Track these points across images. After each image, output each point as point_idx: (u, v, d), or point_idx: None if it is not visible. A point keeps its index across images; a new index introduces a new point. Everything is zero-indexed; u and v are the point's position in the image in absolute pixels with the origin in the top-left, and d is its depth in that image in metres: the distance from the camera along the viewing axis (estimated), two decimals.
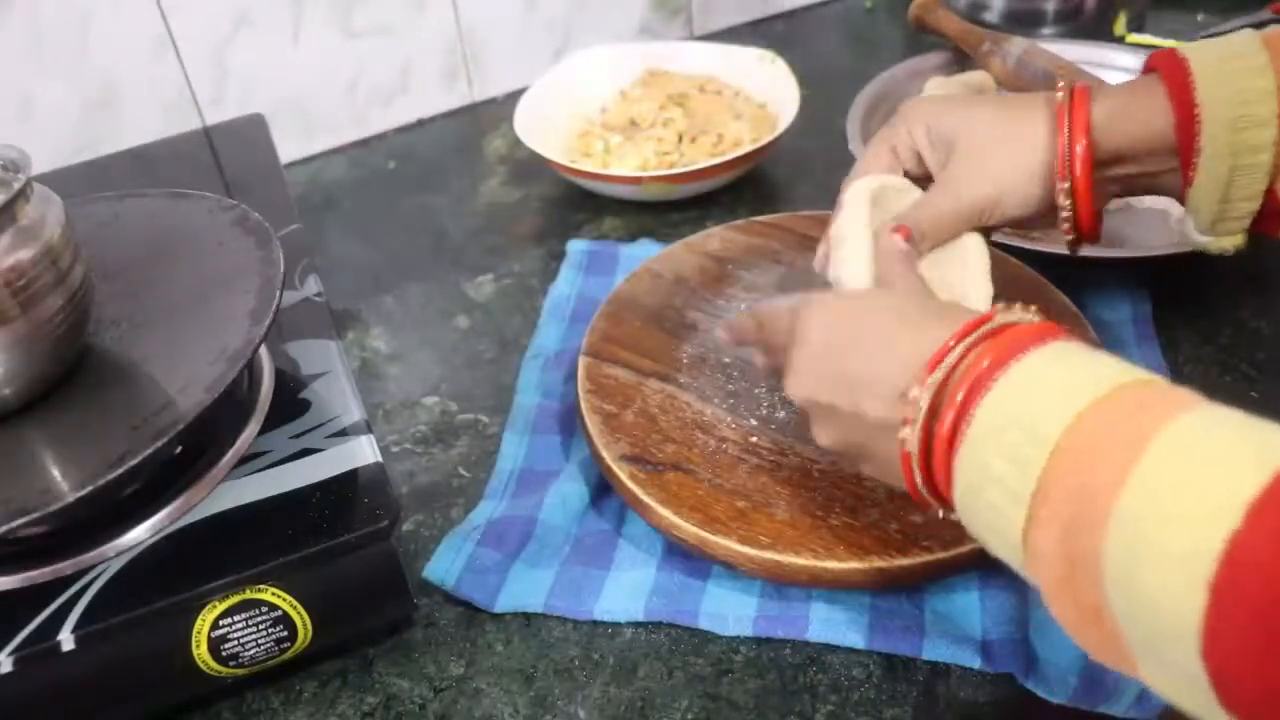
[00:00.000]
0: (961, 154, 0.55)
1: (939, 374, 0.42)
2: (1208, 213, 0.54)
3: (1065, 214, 0.55)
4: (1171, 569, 0.32)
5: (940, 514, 0.45)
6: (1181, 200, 0.55)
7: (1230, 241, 0.55)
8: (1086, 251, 0.70)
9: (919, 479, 0.44)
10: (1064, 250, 0.68)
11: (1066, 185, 0.54)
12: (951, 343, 0.42)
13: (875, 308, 0.49)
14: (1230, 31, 0.54)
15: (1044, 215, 0.56)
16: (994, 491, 0.39)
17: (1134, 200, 0.78)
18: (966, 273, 0.57)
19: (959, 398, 0.41)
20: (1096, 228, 0.56)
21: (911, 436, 0.43)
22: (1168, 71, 0.53)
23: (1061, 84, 0.55)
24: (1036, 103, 0.55)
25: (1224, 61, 0.51)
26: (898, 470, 0.46)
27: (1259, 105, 0.50)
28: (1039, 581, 0.38)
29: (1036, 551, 0.37)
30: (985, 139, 0.55)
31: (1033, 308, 0.44)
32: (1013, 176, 0.55)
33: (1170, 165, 0.54)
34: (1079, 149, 0.53)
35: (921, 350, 0.43)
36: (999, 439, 0.39)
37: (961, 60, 0.94)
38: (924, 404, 0.42)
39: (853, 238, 0.55)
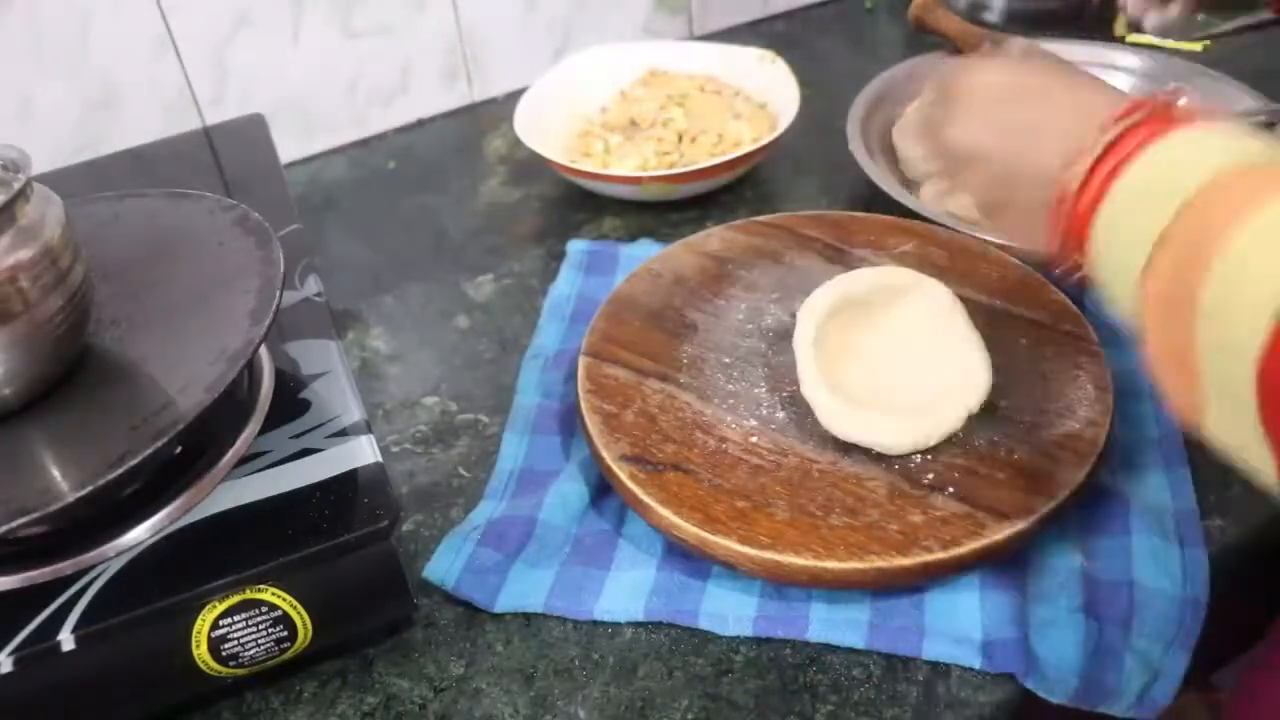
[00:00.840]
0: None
1: (1115, 130, 0.44)
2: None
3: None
4: (1255, 286, 0.35)
5: (1063, 267, 0.48)
6: None
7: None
8: None
9: (1063, 225, 0.46)
10: None
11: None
12: (1125, 109, 0.44)
13: (1046, 73, 0.52)
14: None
15: None
16: (1124, 241, 0.42)
17: None
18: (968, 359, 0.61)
19: (1109, 163, 0.44)
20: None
21: (1072, 176, 0.45)
22: None
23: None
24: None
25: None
26: (1032, 219, 0.48)
27: None
28: (1145, 323, 0.41)
29: (1148, 292, 0.40)
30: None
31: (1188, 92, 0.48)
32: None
33: None
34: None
35: (1099, 110, 0.45)
36: (1143, 196, 0.42)
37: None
38: (1099, 148, 0.44)
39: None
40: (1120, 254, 0.42)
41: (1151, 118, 0.44)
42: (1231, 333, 0.36)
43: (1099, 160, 0.44)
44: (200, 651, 0.51)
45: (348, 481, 0.53)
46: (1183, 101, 0.45)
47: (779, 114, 0.90)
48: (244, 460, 0.55)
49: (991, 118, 0.51)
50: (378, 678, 0.55)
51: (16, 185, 0.50)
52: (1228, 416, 0.38)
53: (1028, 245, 0.51)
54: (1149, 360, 0.41)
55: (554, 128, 0.92)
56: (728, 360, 0.66)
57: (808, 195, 0.88)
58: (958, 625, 0.54)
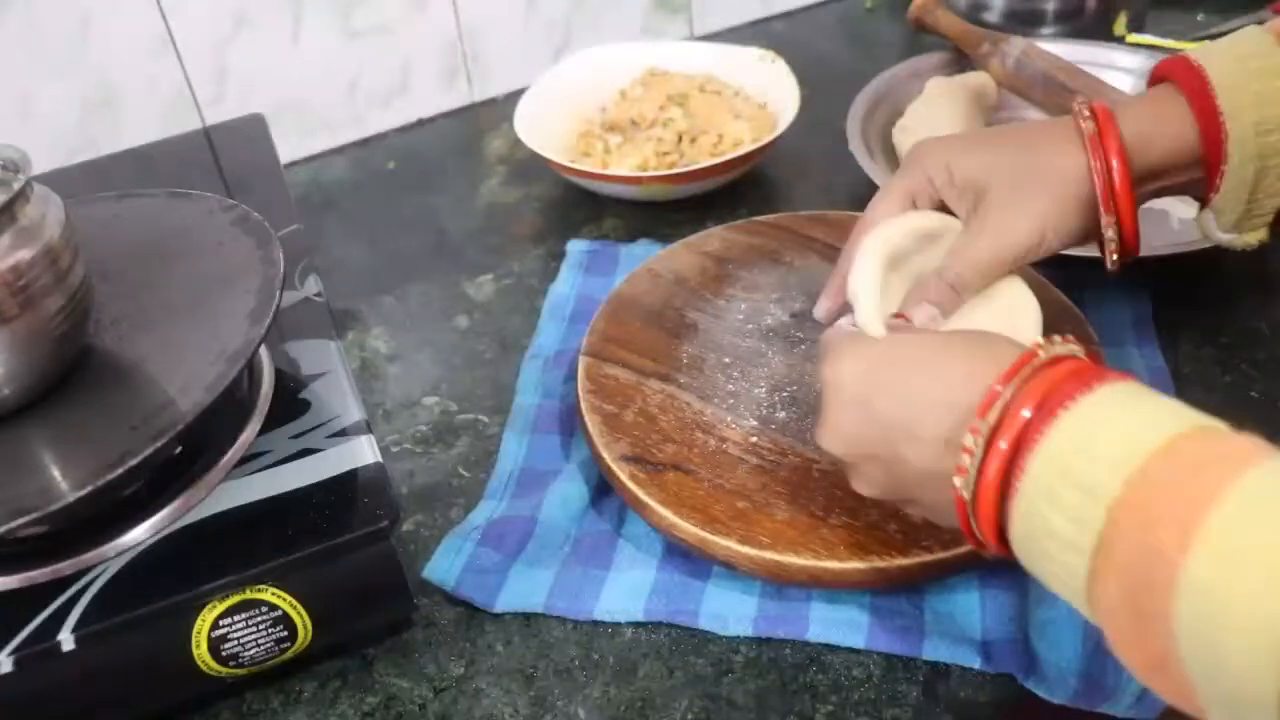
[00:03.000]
0: (995, 197, 0.54)
1: (993, 416, 0.40)
2: (1233, 214, 0.54)
3: (1112, 241, 0.54)
4: (1249, 635, 0.31)
5: (994, 554, 0.44)
6: (1205, 203, 0.55)
7: (1255, 237, 0.55)
8: (1086, 251, 0.70)
9: (974, 524, 0.43)
10: (1064, 250, 0.68)
11: (1112, 217, 0.53)
12: (998, 386, 0.41)
13: (907, 349, 0.47)
14: (1230, 32, 0.54)
15: (1081, 241, 0.55)
16: (1055, 546, 0.38)
17: None
18: (1016, 321, 0.55)
19: (1003, 445, 0.40)
20: (1138, 242, 0.55)
21: (966, 485, 0.42)
22: (1186, 82, 0.52)
23: (1081, 108, 0.53)
24: (1062, 131, 0.54)
25: (1239, 63, 0.51)
26: (946, 514, 0.45)
27: (1279, 106, 0.50)
28: (1105, 630, 0.37)
29: (1101, 604, 0.37)
30: (1018, 179, 0.54)
31: (1070, 338, 0.43)
32: (1054, 213, 0.53)
33: (1197, 174, 0.54)
34: (1118, 179, 0.52)
35: (967, 392, 0.42)
36: (1055, 495, 0.38)
37: (961, 60, 0.94)
38: (979, 450, 0.41)
39: (864, 294, 0.54)
40: (1051, 557, 0.38)
41: (1030, 385, 0.40)
42: (1232, 669, 0.32)
43: (987, 451, 0.40)
44: (200, 651, 0.51)
45: (348, 481, 0.53)
46: (1056, 349, 0.42)
47: (779, 114, 0.90)
48: (244, 460, 0.55)
49: (852, 421, 0.47)
50: (378, 678, 0.55)
51: (16, 185, 0.50)
52: None
53: (953, 528, 0.47)
54: (1118, 657, 0.37)
55: (554, 128, 0.92)
56: (728, 360, 0.66)
57: (808, 195, 0.88)
58: (958, 625, 0.54)
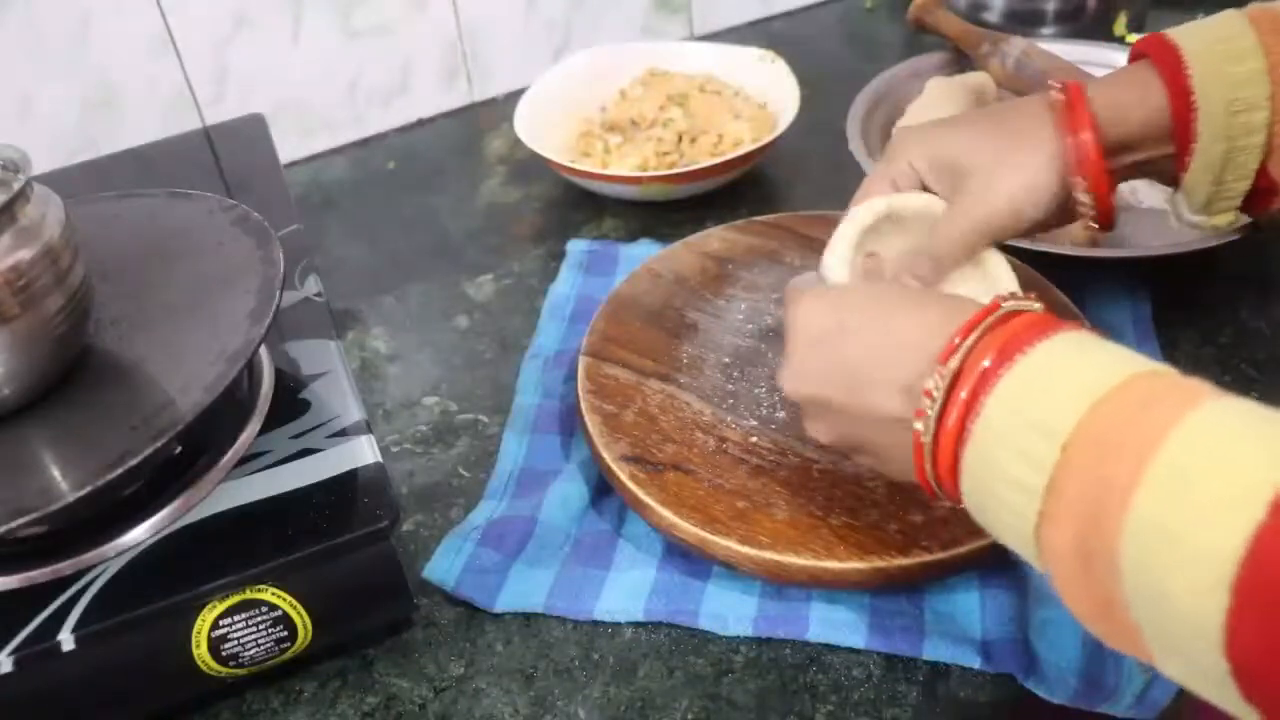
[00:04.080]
0: (972, 174, 0.54)
1: (954, 362, 0.41)
2: (1202, 194, 0.54)
3: (1086, 209, 0.55)
4: (1193, 568, 0.31)
5: (947, 504, 0.45)
6: (1176, 183, 0.55)
7: (1224, 220, 0.56)
8: (1086, 252, 0.70)
9: (929, 471, 0.44)
10: (1064, 250, 0.69)
11: (1084, 181, 0.53)
12: (957, 338, 0.42)
13: (870, 295, 0.48)
14: None
15: (1060, 217, 0.56)
16: (1005, 488, 0.39)
17: (1134, 200, 0.78)
18: (994, 289, 0.55)
19: (963, 395, 0.40)
20: (1113, 215, 0.56)
21: (926, 429, 0.42)
22: (1160, 57, 0.53)
23: (1054, 84, 0.55)
24: (1033, 108, 0.55)
25: (1214, 45, 0.52)
26: (899, 462, 0.45)
27: (1252, 87, 0.51)
28: (1052, 575, 0.38)
29: (1050, 546, 0.37)
30: (994, 156, 0.54)
31: (1033, 295, 0.43)
32: (1027, 185, 0.54)
33: (1167, 150, 0.54)
34: (1088, 143, 0.53)
35: (928, 340, 0.43)
36: (1009, 435, 0.38)
37: (961, 60, 0.94)
38: (940, 395, 0.41)
39: (836, 266, 0.55)
40: (1001, 499, 0.39)
41: (991, 333, 0.41)
42: (1175, 603, 0.32)
43: (947, 399, 0.41)
44: (200, 651, 0.51)
45: (348, 481, 0.53)
46: (1017, 304, 0.42)
47: (779, 114, 0.90)
48: (244, 460, 0.55)
49: (813, 363, 0.48)
50: (378, 678, 0.55)
51: (16, 185, 0.50)
52: (1189, 671, 0.34)
53: (903, 480, 0.48)
54: (1066, 603, 0.37)
55: (554, 128, 0.92)
56: (728, 360, 0.66)
57: (808, 195, 0.88)
58: (958, 625, 0.54)
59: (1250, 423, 0.34)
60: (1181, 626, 0.32)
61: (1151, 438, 0.34)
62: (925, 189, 0.57)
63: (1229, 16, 0.52)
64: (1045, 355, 0.39)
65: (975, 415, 0.40)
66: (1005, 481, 0.38)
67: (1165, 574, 0.32)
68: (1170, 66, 0.52)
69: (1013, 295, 0.43)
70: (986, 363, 0.40)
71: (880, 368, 0.45)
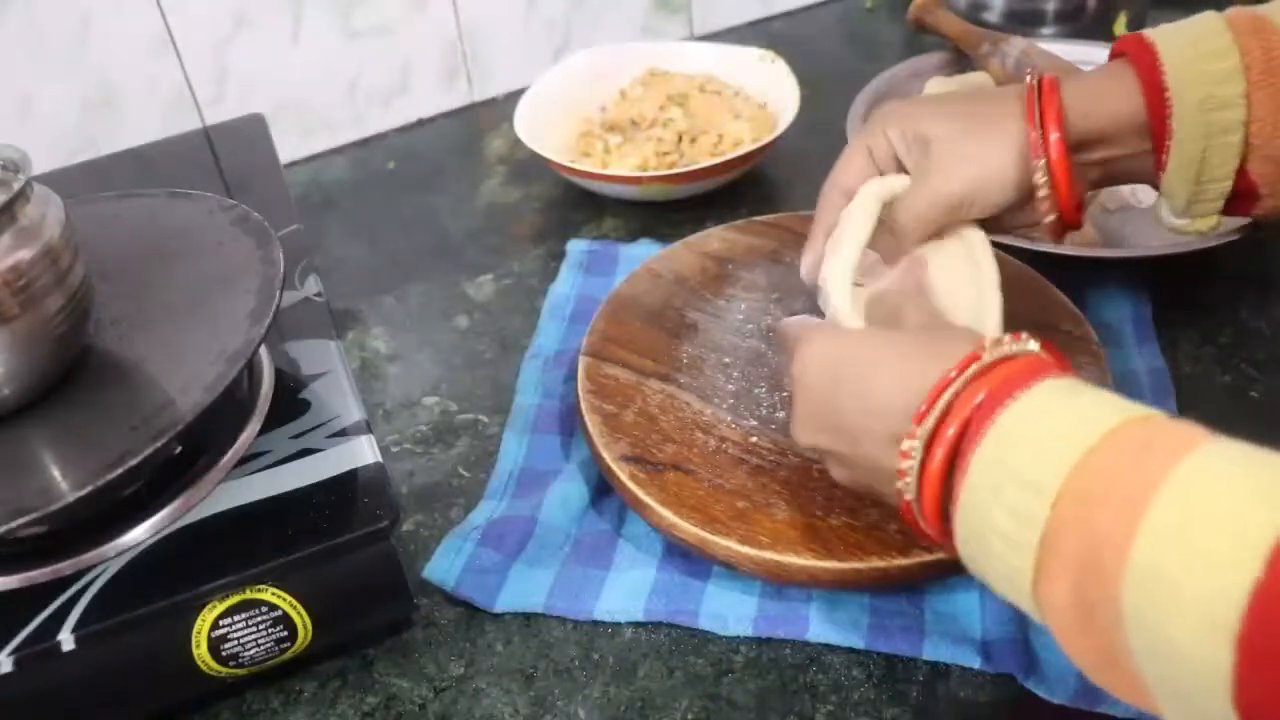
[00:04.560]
0: (937, 148, 0.55)
1: (929, 422, 0.41)
2: (1182, 195, 0.55)
3: (1043, 194, 0.55)
4: (1195, 622, 0.31)
5: (945, 552, 0.44)
6: (1156, 185, 0.56)
7: (1206, 224, 0.56)
8: (1086, 252, 0.70)
9: (923, 524, 0.44)
10: (1064, 250, 0.69)
11: (1042, 163, 0.53)
12: (934, 393, 0.42)
13: (865, 348, 0.48)
14: None
15: (1026, 204, 0.56)
16: (998, 543, 0.38)
17: (1134, 200, 0.78)
18: (980, 283, 0.56)
19: (939, 453, 0.41)
20: (1078, 213, 0.56)
21: (908, 486, 0.43)
22: (1136, 55, 0.53)
23: (1030, 72, 0.55)
24: (1007, 93, 0.56)
25: (1190, 43, 0.52)
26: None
27: (1226, 86, 0.51)
28: (1052, 629, 0.37)
29: (1049, 601, 0.37)
30: (958, 131, 0.55)
31: (1024, 334, 0.43)
32: (987, 162, 0.55)
33: (1143, 148, 0.54)
34: (1052, 129, 0.53)
35: (905, 396, 0.43)
36: (998, 492, 0.38)
37: (961, 60, 0.94)
38: (918, 454, 0.42)
39: (837, 291, 0.56)
40: (996, 556, 0.39)
41: (969, 389, 0.41)
42: (1180, 654, 0.32)
43: (926, 457, 0.41)
44: (200, 651, 0.51)
45: (348, 481, 0.53)
46: (1003, 349, 0.42)
47: (779, 114, 0.90)
48: (244, 460, 0.55)
49: (814, 416, 0.49)
50: (378, 678, 0.55)
51: (16, 185, 0.50)
52: (1195, 718, 0.34)
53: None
54: (1068, 655, 0.37)
55: (554, 128, 0.92)
56: (728, 360, 0.66)
57: (808, 195, 0.87)
58: (957, 625, 0.54)
59: (1246, 467, 0.33)
60: (1187, 675, 0.32)
61: (1147, 486, 0.33)
62: (897, 163, 0.58)
63: (1206, 17, 0.53)
64: (1028, 407, 0.39)
65: (962, 475, 0.40)
66: (998, 538, 0.38)
67: (1168, 621, 0.32)
68: (1145, 63, 0.53)
69: (999, 341, 0.42)
70: (974, 405, 0.40)
71: (873, 421, 0.45)
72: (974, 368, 0.42)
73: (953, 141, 0.55)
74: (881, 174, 0.59)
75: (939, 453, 0.41)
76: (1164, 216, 0.57)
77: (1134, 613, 0.33)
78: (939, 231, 0.57)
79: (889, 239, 0.58)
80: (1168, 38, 0.53)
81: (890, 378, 0.45)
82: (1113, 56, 0.56)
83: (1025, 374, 0.40)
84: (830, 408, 0.48)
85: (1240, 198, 0.54)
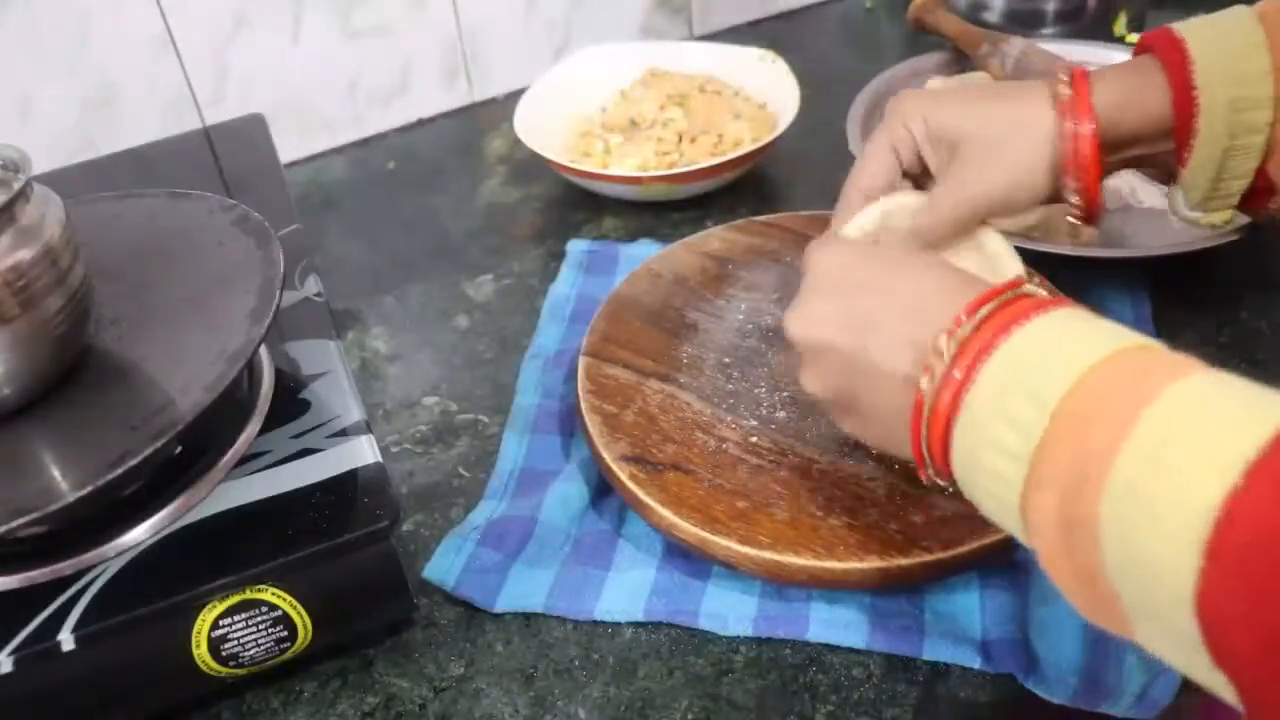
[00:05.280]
0: (966, 151, 0.55)
1: (967, 328, 0.41)
2: (1200, 190, 0.54)
3: (1075, 203, 0.55)
4: (1167, 528, 0.32)
5: (930, 475, 0.45)
6: (1174, 179, 0.55)
7: (1220, 217, 0.56)
8: (1086, 252, 0.70)
9: (924, 434, 0.43)
10: (1064, 250, 0.69)
11: (1075, 180, 0.53)
12: (974, 306, 0.42)
13: (893, 253, 0.48)
14: None
15: (1049, 203, 0.56)
16: (994, 455, 0.39)
17: (1134, 200, 0.78)
18: (996, 268, 0.56)
19: (964, 363, 0.41)
20: (1100, 210, 0.56)
21: (931, 382, 0.42)
22: (1165, 52, 0.53)
23: (1062, 74, 0.54)
24: (1037, 93, 0.55)
25: (1220, 40, 0.51)
26: (887, 425, 0.46)
27: (1256, 86, 0.50)
28: (1036, 545, 0.38)
29: (1035, 515, 0.37)
30: (989, 135, 0.54)
31: (1039, 279, 0.44)
32: (1021, 172, 0.54)
33: (1168, 146, 0.54)
34: (1085, 143, 0.53)
35: (946, 302, 0.43)
36: (1000, 403, 0.39)
37: (961, 60, 0.94)
38: (948, 356, 0.41)
39: (857, 222, 0.55)
40: (990, 468, 0.39)
41: (1001, 310, 0.41)
42: (1151, 566, 0.32)
43: (952, 363, 0.41)
44: (200, 651, 0.51)
45: (348, 481, 0.53)
46: (1031, 287, 0.43)
47: (779, 114, 0.90)
48: (244, 460, 0.55)
49: (825, 308, 0.48)
50: (378, 678, 0.55)
51: (16, 185, 0.50)
52: (1163, 639, 0.34)
53: (882, 447, 0.49)
54: (1049, 575, 0.38)
55: (554, 128, 0.92)
56: (728, 360, 0.66)
57: (808, 195, 0.88)
58: (958, 625, 0.54)
59: (1233, 392, 0.34)
60: (1156, 589, 0.33)
61: (1135, 406, 0.34)
62: (919, 158, 0.57)
63: (1238, 13, 0.52)
64: (1041, 328, 0.40)
65: (970, 383, 0.40)
66: (994, 448, 0.39)
67: (1141, 537, 0.33)
68: (1175, 62, 0.52)
69: (1034, 277, 0.43)
70: (990, 331, 0.41)
71: (893, 321, 0.45)
72: (1011, 293, 0.42)
73: (981, 149, 0.54)
74: (906, 173, 0.58)
75: (963, 362, 0.41)
76: (1178, 208, 0.57)
77: (1110, 528, 0.34)
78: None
79: (913, 246, 0.57)
80: (1197, 35, 0.52)
81: (925, 286, 0.45)
82: (1138, 51, 0.55)
83: (1042, 303, 0.41)
84: (845, 303, 0.47)
85: (1256, 194, 0.54)
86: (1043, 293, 0.43)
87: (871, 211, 0.56)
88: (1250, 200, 0.55)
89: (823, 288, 0.49)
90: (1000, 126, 0.55)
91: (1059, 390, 0.37)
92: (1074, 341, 0.38)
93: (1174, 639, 0.33)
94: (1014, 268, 0.55)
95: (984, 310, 0.41)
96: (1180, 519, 0.31)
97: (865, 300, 0.46)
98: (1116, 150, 0.55)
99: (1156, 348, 0.38)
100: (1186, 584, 0.31)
